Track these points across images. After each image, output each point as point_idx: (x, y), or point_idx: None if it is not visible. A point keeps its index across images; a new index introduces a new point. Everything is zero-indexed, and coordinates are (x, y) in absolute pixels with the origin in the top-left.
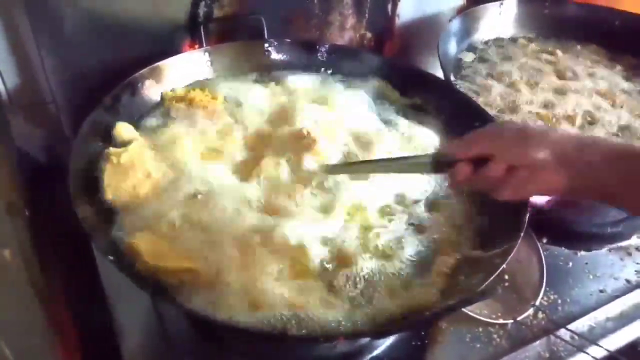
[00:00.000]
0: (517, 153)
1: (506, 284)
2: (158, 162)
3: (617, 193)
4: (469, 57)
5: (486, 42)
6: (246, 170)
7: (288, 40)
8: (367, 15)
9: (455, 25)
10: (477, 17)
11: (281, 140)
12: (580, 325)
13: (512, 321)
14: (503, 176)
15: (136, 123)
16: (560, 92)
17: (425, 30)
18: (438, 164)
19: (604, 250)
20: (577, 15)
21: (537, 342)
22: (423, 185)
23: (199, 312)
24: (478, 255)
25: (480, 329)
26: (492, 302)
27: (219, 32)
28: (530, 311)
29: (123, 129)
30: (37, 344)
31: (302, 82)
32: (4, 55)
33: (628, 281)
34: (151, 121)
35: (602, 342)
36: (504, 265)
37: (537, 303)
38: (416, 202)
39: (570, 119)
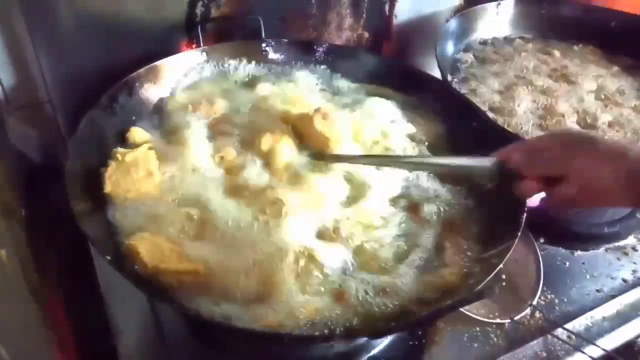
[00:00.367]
0: (590, 177)
1: (503, 283)
2: (162, 163)
3: None
4: (466, 57)
5: (483, 42)
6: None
7: (285, 40)
8: (364, 15)
9: (453, 25)
10: (474, 17)
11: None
12: (577, 324)
13: (509, 321)
14: (574, 194)
15: (138, 125)
16: (557, 92)
17: (423, 30)
18: (501, 175)
19: (601, 250)
20: (573, 15)
21: (535, 342)
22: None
23: (196, 312)
24: (476, 255)
25: (478, 329)
26: (490, 301)
27: (216, 32)
28: (528, 311)
29: (137, 133)
30: (33, 344)
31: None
32: (0, 56)
33: (625, 281)
34: (156, 125)
35: (599, 342)
36: (501, 265)
37: (535, 303)
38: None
39: (567, 118)
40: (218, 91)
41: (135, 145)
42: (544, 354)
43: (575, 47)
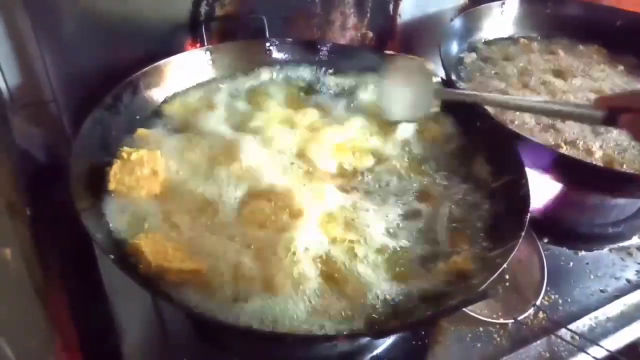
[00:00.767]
0: None
1: (507, 283)
2: (168, 163)
3: None
4: (470, 56)
5: (488, 42)
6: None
7: (289, 39)
8: (368, 14)
9: (457, 24)
10: (478, 16)
11: None
12: (581, 325)
13: (512, 321)
14: None
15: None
16: (562, 91)
17: (427, 29)
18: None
19: (605, 250)
20: (578, 15)
21: (538, 342)
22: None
23: (199, 312)
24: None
25: (481, 329)
26: (493, 301)
27: (220, 31)
28: (531, 311)
29: (145, 132)
30: (37, 343)
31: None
32: (5, 55)
33: (629, 281)
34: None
35: (602, 342)
36: (504, 265)
37: (538, 303)
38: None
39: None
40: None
41: (142, 145)
42: (548, 355)
43: (581, 47)
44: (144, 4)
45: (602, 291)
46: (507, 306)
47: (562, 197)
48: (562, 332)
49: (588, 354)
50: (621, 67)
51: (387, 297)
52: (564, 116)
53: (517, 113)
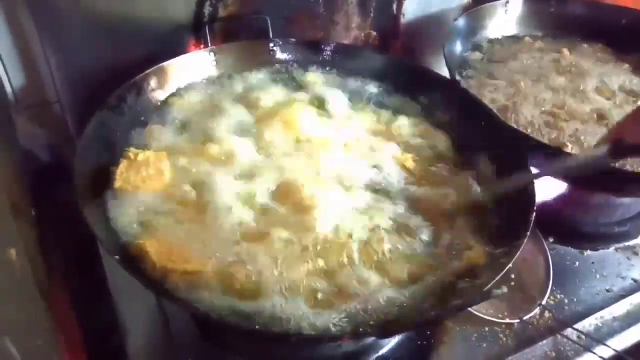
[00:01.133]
0: None
1: (512, 283)
2: (173, 163)
3: None
4: (474, 55)
5: (492, 41)
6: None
7: (293, 39)
8: (372, 14)
9: (461, 24)
10: (482, 15)
11: None
12: (587, 324)
13: (518, 320)
14: None
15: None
16: (567, 90)
17: (431, 29)
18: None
19: (611, 249)
20: (583, 13)
21: (544, 342)
22: None
23: (204, 312)
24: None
25: (486, 329)
26: (498, 301)
27: (223, 32)
28: (537, 310)
29: (153, 132)
30: (42, 343)
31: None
32: (9, 56)
33: (635, 280)
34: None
35: (609, 342)
36: (510, 265)
37: (544, 302)
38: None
39: (577, 116)
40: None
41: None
42: (554, 354)
43: (585, 45)
44: (147, 5)
45: (608, 290)
46: (512, 306)
47: (568, 197)
48: (568, 331)
49: (594, 353)
50: (626, 65)
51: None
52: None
53: (522, 112)
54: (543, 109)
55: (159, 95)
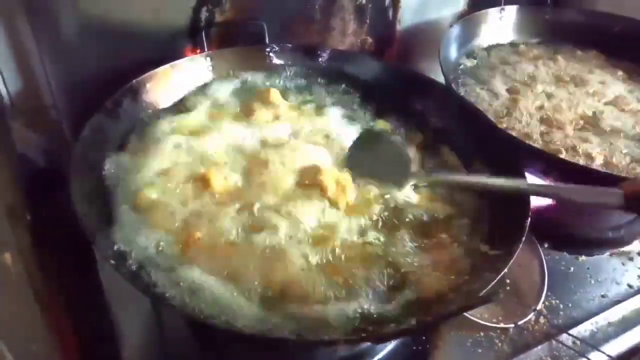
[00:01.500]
0: None
1: (508, 288)
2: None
3: None
4: (469, 62)
5: (487, 48)
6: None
7: (289, 45)
8: (368, 20)
9: (456, 30)
10: (477, 22)
11: None
12: (582, 330)
13: (513, 326)
14: None
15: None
16: (561, 97)
17: (426, 35)
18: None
19: (606, 255)
20: (577, 20)
21: (539, 347)
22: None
23: (199, 317)
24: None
25: (482, 334)
26: (494, 306)
27: (220, 37)
28: (532, 316)
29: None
30: (37, 347)
31: None
32: (5, 60)
33: (630, 286)
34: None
35: (603, 347)
36: (505, 270)
37: (539, 307)
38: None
39: (572, 123)
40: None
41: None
42: (549, 359)
43: (579, 52)
44: (144, 10)
45: (603, 296)
46: (507, 311)
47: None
48: (563, 337)
49: (589, 359)
50: (620, 72)
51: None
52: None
53: (517, 118)
54: (538, 115)
55: (155, 99)
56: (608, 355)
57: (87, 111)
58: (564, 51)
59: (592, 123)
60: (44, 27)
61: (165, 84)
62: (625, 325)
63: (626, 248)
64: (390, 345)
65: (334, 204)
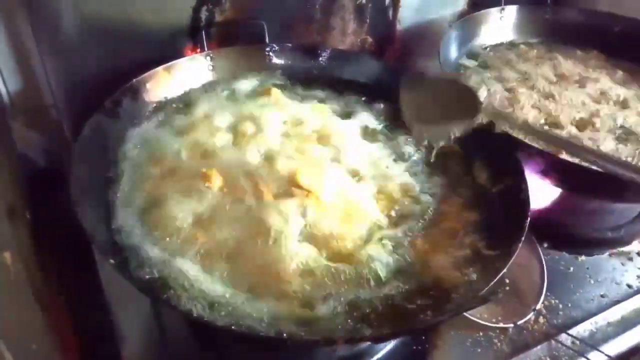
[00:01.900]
0: None
1: (507, 288)
2: None
3: None
4: (469, 62)
5: (487, 48)
6: None
7: (289, 44)
8: (368, 20)
9: (456, 30)
10: (477, 22)
11: None
12: (582, 330)
13: (512, 325)
14: None
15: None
16: (561, 96)
17: (426, 35)
18: None
19: (605, 255)
20: (577, 20)
21: (538, 347)
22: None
23: (199, 317)
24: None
25: (481, 333)
26: (493, 306)
27: (220, 37)
28: (531, 315)
29: None
30: (37, 348)
31: None
32: (5, 60)
33: (629, 286)
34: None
35: (603, 347)
36: (505, 270)
37: (538, 307)
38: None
39: (572, 122)
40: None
41: None
42: (548, 359)
43: (579, 52)
44: (144, 9)
45: (602, 296)
46: (507, 311)
47: (562, 202)
48: (563, 337)
49: (588, 359)
50: (620, 72)
51: None
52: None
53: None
54: (538, 115)
55: (155, 99)
56: (607, 355)
57: (87, 111)
58: (564, 51)
59: (592, 123)
60: (44, 27)
61: (165, 84)
62: (624, 325)
63: (626, 248)
64: (389, 345)
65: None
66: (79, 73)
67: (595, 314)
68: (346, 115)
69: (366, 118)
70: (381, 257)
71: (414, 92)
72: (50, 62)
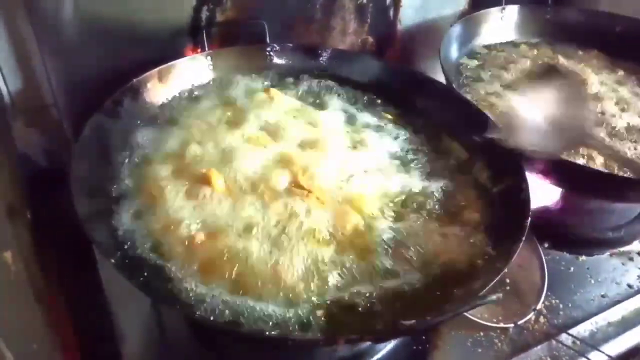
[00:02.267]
0: None
1: (507, 288)
2: None
3: None
4: (470, 62)
5: (488, 47)
6: None
7: (290, 44)
8: (369, 20)
9: (457, 30)
10: (478, 22)
11: None
12: (582, 330)
13: (513, 325)
14: None
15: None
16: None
17: (427, 35)
18: None
19: (606, 255)
20: (578, 20)
21: (539, 347)
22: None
23: (200, 317)
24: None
25: (482, 333)
26: (493, 306)
27: (221, 37)
28: (532, 315)
29: None
30: (38, 347)
31: None
32: (6, 59)
33: (630, 286)
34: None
35: (603, 347)
36: (505, 270)
37: (539, 307)
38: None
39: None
40: None
41: None
42: (548, 359)
43: (580, 52)
44: (145, 9)
45: (603, 296)
46: (507, 311)
47: (563, 202)
48: (563, 337)
49: (589, 359)
50: (621, 72)
51: None
52: None
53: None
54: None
55: (156, 98)
56: (608, 355)
57: (87, 111)
58: (565, 51)
59: (594, 123)
60: (45, 27)
61: (166, 84)
62: (625, 325)
63: (626, 248)
64: (389, 345)
65: None
66: (79, 73)
67: (595, 314)
68: (346, 114)
69: (367, 118)
70: (381, 257)
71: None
72: (50, 61)
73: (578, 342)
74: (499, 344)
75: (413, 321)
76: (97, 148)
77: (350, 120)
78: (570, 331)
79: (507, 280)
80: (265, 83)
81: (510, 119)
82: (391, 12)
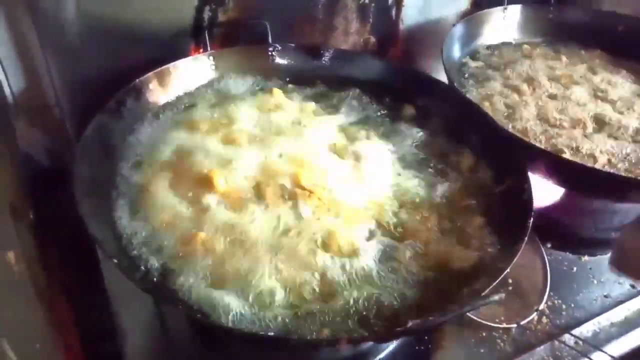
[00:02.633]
0: None
1: (510, 288)
2: None
3: None
4: (473, 61)
5: (490, 47)
6: None
7: (292, 44)
8: (371, 20)
9: (459, 30)
10: (481, 21)
11: None
12: (585, 330)
13: (515, 326)
14: None
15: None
16: (565, 96)
17: (429, 35)
18: None
19: (608, 255)
20: (581, 20)
21: (541, 347)
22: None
23: (202, 316)
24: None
25: (484, 334)
26: (496, 306)
27: (223, 37)
28: (534, 316)
29: None
30: (40, 346)
31: None
32: (9, 59)
33: (632, 286)
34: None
35: (606, 348)
36: (508, 270)
37: (541, 308)
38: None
39: (577, 123)
40: None
41: None
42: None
43: (583, 52)
44: (147, 9)
45: (605, 296)
46: (510, 311)
47: (565, 202)
48: (566, 337)
49: (591, 359)
50: (624, 72)
51: None
52: None
53: (521, 118)
54: (541, 115)
55: (158, 99)
56: (610, 356)
57: (90, 110)
58: (568, 50)
59: (595, 123)
60: (48, 27)
61: (169, 84)
62: (627, 325)
63: None
64: (392, 345)
65: None
66: (82, 73)
67: (598, 314)
68: (349, 115)
69: (368, 118)
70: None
71: None
72: (53, 61)
73: (581, 343)
74: (502, 344)
75: (416, 321)
76: (99, 148)
77: (353, 120)
78: (573, 331)
79: (510, 281)
80: (268, 83)
81: None
82: (393, 12)
